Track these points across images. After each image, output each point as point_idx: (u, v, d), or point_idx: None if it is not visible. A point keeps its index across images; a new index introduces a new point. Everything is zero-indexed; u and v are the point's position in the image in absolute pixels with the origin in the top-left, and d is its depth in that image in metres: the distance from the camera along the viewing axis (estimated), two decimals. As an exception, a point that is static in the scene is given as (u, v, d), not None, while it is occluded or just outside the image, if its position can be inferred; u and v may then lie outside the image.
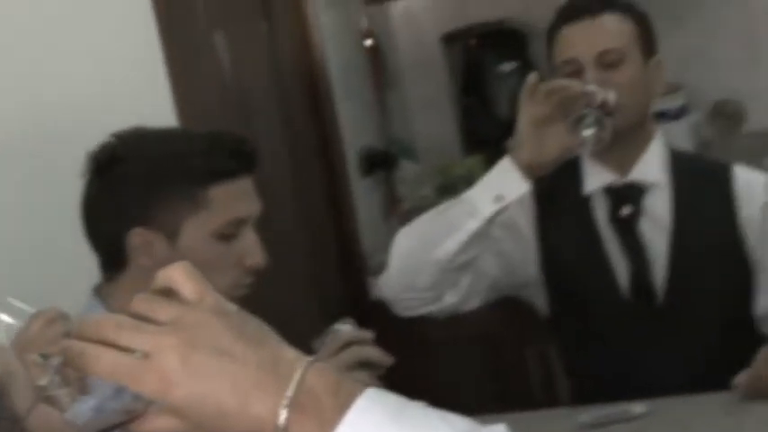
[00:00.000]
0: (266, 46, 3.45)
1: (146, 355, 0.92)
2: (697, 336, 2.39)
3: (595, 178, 2.47)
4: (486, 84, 3.86)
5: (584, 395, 2.46)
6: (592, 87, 2.20)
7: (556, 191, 2.51)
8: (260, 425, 0.90)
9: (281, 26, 3.50)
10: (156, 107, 2.74)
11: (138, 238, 1.84)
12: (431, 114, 4.06)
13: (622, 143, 2.41)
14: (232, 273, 1.91)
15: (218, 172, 1.85)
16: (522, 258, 2.48)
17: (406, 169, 3.85)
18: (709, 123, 3.64)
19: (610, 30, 2.44)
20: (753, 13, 3.67)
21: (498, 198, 2.22)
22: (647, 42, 2.45)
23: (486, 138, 3.80)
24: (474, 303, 2.45)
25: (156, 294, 0.97)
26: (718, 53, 3.67)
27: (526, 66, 3.82)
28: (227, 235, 1.89)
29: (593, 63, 2.37)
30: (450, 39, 3.92)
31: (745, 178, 2.51)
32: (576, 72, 2.36)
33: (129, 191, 1.86)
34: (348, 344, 1.85)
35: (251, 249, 1.89)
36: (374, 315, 3.41)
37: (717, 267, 2.45)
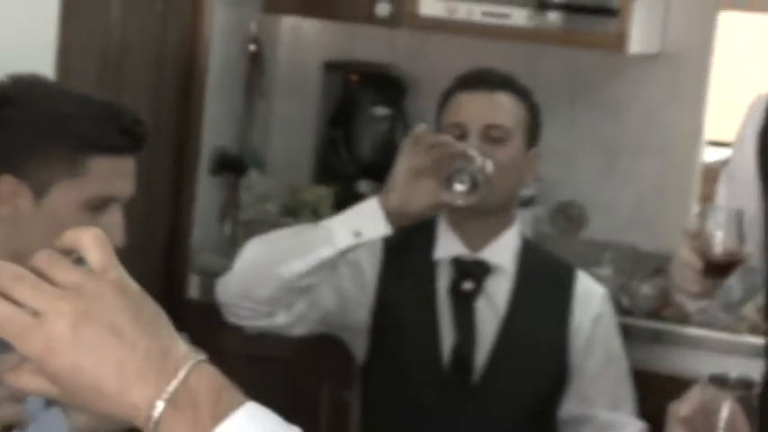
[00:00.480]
0: (157, 25, 3.45)
1: (36, 315, 0.89)
2: (501, 421, 2.42)
3: (447, 247, 2.50)
4: (355, 121, 3.87)
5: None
6: (473, 151, 2.24)
7: (407, 247, 2.52)
8: (134, 412, 0.88)
9: (175, 9, 3.51)
10: (38, 51, 2.73)
11: (5, 186, 1.80)
12: (293, 134, 4.06)
13: (483, 220, 2.45)
14: None
15: (106, 145, 1.82)
16: (358, 301, 2.47)
17: (254, 180, 3.83)
18: (550, 221, 3.71)
19: (502, 107, 2.50)
20: (619, 126, 3.79)
21: (357, 234, 2.22)
22: (533, 132, 2.51)
23: (339, 173, 3.80)
24: (301, 330, 2.43)
25: (59, 253, 0.94)
26: (577, 155, 3.72)
27: (399, 115, 3.87)
28: (94, 208, 1.86)
29: (478, 132, 2.41)
30: (332, 67, 3.94)
31: (586, 285, 2.59)
32: (461, 137, 2.40)
33: (10, 136, 1.81)
34: None
35: (113, 229, 1.86)
36: (190, 313, 3.40)
37: (537, 362, 2.50)
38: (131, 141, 1.88)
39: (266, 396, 3.36)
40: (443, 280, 2.51)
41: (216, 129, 3.76)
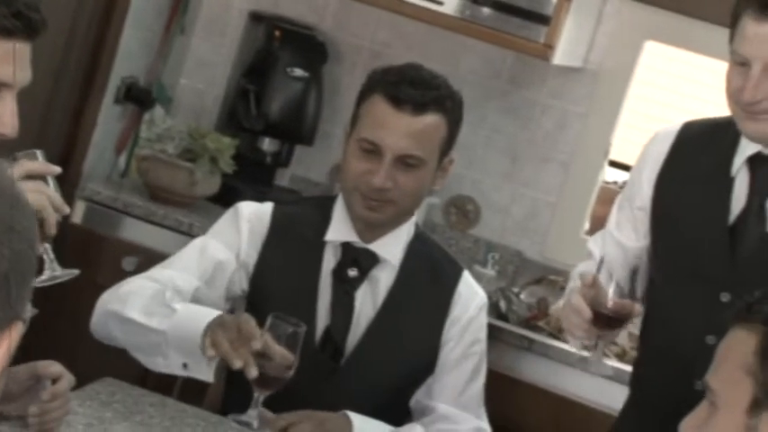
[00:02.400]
0: None
1: None
2: (361, 406, 2.46)
3: (339, 231, 2.52)
4: (270, 77, 3.86)
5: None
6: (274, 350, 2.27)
7: (299, 221, 2.57)
8: None
9: None
10: None
11: None
12: (206, 78, 4.06)
13: (386, 214, 2.50)
14: None
15: None
16: (239, 276, 2.54)
17: (158, 116, 3.83)
18: (443, 212, 3.75)
19: (423, 134, 2.47)
20: (529, 133, 3.85)
21: (185, 366, 2.30)
22: (450, 143, 2.51)
23: (245, 126, 3.83)
24: None
25: None
26: (482, 154, 3.80)
27: (315, 80, 3.90)
28: None
29: (392, 159, 2.42)
30: (258, 18, 3.92)
31: (468, 288, 2.61)
32: (373, 153, 2.43)
33: None
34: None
35: (4, 116, 1.85)
36: (71, 238, 3.39)
37: (406, 355, 2.53)
38: (23, 26, 1.85)
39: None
40: (329, 262, 2.53)
41: (129, 59, 3.73)
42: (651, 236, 2.50)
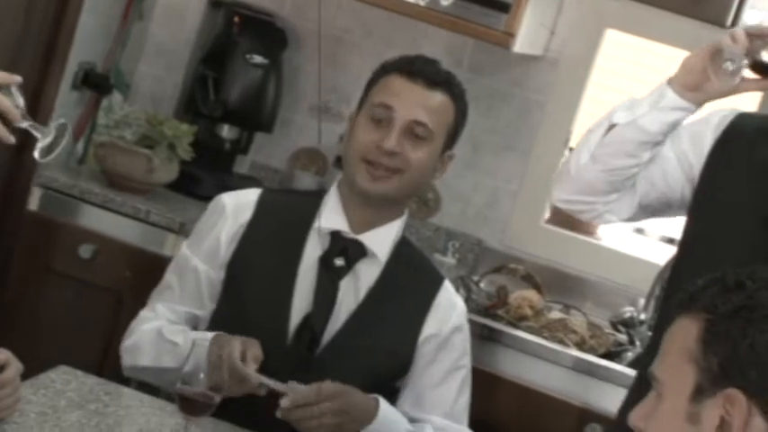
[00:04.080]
0: None
1: None
2: None
3: (330, 219, 2.56)
4: (230, 64, 3.91)
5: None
6: (266, 381, 2.35)
7: (285, 208, 2.62)
8: None
9: None
10: None
11: None
12: (164, 64, 4.09)
13: (374, 207, 2.55)
14: None
15: None
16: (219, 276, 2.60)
17: (116, 103, 3.84)
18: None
19: (435, 108, 2.56)
20: (490, 121, 3.87)
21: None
22: (454, 136, 2.60)
23: (203, 113, 3.86)
24: None
25: None
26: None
27: (275, 67, 3.95)
28: None
29: (403, 124, 2.51)
30: (217, 4, 3.97)
31: (448, 297, 2.68)
32: (383, 122, 2.52)
33: None
34: None
35: None
36: (27, 225, 3.41)
37: (381, 350, 2.58)
38: None
39: (93, 324, 3.34)
40: (315, 248, 2.57)
41: (86, 44, 3.75)
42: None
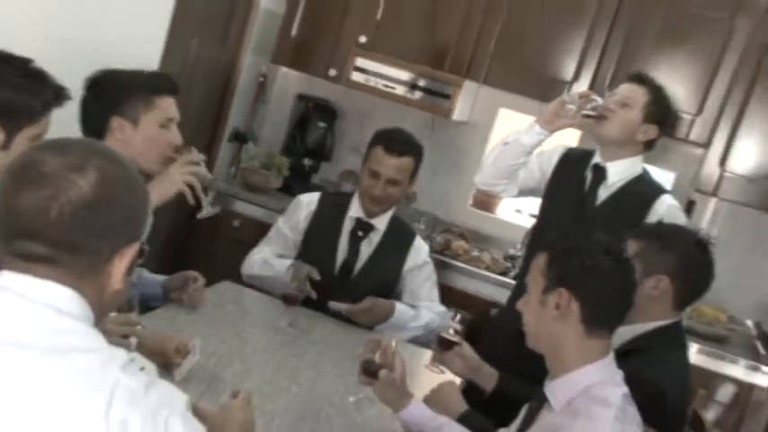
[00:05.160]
0: (213, 59, 4.40)
1: None
2: (359, 301, 3.17)
3: (355, 210, 3.26)
4: (308, 127, 5.06)
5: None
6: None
7: (334, 204, 3.30)
8: None
9: (225, 50, 4.50)
10: (144, 59, 3.31)
11: (115, 123, 2.43)
12: (276, 127, 5.28)
13: (378, 206, 3.24)
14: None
15: (162, 88, 2.42)
16: (296, 239, 3.25)
17: (251, 147, 5.03)
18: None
19: (402, 168, 3.16)
20: (436, 156, 4.88)
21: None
22: (415, 171, 3.23)
23: (295, 152, 5.03)
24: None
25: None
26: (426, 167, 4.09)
27: (331, 128, 5.07)
28: (162, 126, 2.42)
29: (385, 180, 3.10)
30: (301, 98, 5.16)
31: (419, 244, 3.37)
32: (375, 176, 3.07)
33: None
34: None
35: (174, 137, 2.40)
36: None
37: (383, 276, 3.29)
38: (171, 88, 2.39)
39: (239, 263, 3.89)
40: (348, 225, 3.22)
41: (236, 116, 4.89)
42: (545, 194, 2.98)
